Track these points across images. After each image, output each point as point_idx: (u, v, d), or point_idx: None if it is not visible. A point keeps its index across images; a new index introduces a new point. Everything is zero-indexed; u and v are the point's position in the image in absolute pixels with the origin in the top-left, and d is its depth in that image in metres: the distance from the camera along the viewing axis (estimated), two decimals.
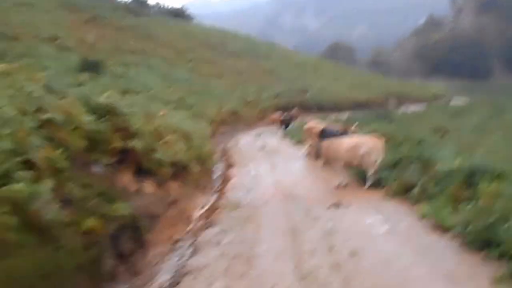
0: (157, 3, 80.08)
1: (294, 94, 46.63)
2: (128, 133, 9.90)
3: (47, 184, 5.95)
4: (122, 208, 7.34)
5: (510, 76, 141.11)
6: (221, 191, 13.60)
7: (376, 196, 11.85)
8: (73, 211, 6.31)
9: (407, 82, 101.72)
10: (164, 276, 7.56)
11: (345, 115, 36.75)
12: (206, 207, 11.87)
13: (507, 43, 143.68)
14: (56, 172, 6.50)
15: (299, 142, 22.54)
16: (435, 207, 9.71)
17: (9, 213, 5.11)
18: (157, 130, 11.79)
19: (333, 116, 35.58)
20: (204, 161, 14.82)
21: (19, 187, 5.53)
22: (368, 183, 12.64)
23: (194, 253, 8.45)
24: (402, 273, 7.07)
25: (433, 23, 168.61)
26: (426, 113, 56.42)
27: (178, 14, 74.03)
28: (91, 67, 23.98)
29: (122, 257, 7.21)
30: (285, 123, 29.93)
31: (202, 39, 59.49)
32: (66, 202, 6.30)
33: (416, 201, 10.63)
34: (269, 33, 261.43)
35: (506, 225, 7.31)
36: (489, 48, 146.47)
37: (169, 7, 78.45)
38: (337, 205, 11.04)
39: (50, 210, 5.75)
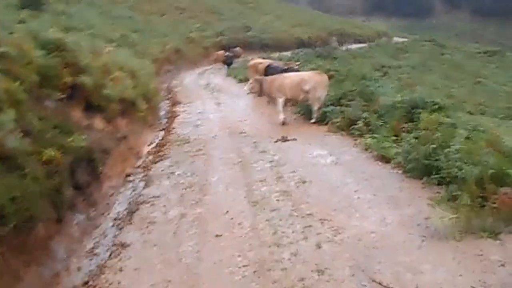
0: None
1: (237, 32, 46.47)
2: (77, 69, 10.02)
3: (10, 115, 6.16)
4: (78, 141, 7.59)
5: (450, 14, 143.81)
6: (168, 127, 13.89)
7: (321, 130, 12.22)
8: (33, 141, 6.56)
9: (349, 20, 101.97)
10: (120, 206, 7.96)
11: (288, 53, 37.10)
12: (155, 143, 12.17)
13: None
14: (15, 103, 6.70)
15: (243, 80, 22.59)
16: (378, 139, 10.21)
17: None
18: (105, 66, 11.90)
19: (276, 54, 35.68)
20: (150, 98, 14.97)
21: None
22: (314, 118, 13.01)
23: (147, 184, 8.82)
24: (348, 198, 7.58)
25: None
26: (368, 51, 57.16)
27: None
28: (32, 3, 23.51)
29: (79, 188, 7.49)
30: (229, 62, 29.96)
31: None
32: (27, 132, 6.53)
33: (360, 134, 11.03)
34: None
35: (445, 152, 7.89)
36: None
37: None
38: (283, 139, 11.41)
39: (13, 139, 6.00)
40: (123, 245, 6.59)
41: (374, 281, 5.20)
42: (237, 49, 34.80)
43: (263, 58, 24.26)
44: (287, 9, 78.36)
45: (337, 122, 12.10)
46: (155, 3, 48.61)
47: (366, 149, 10.06)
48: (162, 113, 16.47)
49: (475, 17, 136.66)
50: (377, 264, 5.53)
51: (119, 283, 5.72)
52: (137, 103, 13.01)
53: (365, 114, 11.63)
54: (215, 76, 27.95)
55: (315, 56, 38.92)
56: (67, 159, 7.09)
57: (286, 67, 16.17)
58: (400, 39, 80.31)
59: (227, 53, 31.07)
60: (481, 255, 5.50)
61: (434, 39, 79.12)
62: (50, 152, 6.60)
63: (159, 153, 10.91)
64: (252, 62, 19.76)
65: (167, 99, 19.49)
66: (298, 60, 21.42)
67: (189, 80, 26.48)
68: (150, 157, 10.76)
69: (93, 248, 6.70)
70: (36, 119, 7.06)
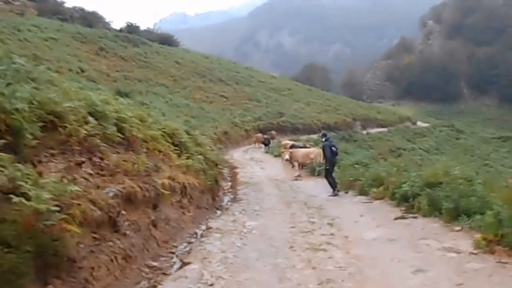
0: (148, 28, 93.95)
1: (272, 117, 57.29)
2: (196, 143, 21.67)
3: None
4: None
5: (478, 100, 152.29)
6: (234, 178, 25.04)
7: (316, 178, 23.02)
8: None
9: (376, 105, 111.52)
10: (226, 199, 19.14)
11: (315, 136, 46.97)
12: (229, 185, 23.38)
13: (475, 67, 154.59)
14: None
15: (277, 155, 33.35)
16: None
17: None
18: (200, 145, 23.04)
19: (304, 136, 46.69)
20: (220, 163, 26.25)
21: None
22: (316, 172, 23.94)
23: (236, 198, 19.18)
24: (340, 206, 15.92)
25: (404, 46, 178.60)
26: (386, 135, 66.06)
27: (167, 40, 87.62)
28: (122, 94, 32.28)
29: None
30: (266, 143, 41.83)
31: (192, 67, 71.24)
32: None
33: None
34: (245, 50, 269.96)
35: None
36: (458, 71, 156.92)
37: (158, 31, 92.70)
38: (296, 180, 23.28)
39: None
40: None
41: None
42: (273, 132, 46.72)
43: (292, 139, 36.35)
44: (317, 96, 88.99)
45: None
46: (204, 92, 60.42)
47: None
48: (226, 172, 27.45)
49: (502, 103, 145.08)
50: None
51: None
52: (219, 165, 24.30)
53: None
54: (256, 153, 39.70)
55: (339, 138, 48.88)
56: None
57: (302, 145, 28.29)
58: (424, 124, 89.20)
59: (265, 136, 43.09)
60: None
61: (453, 124, 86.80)
62: None
63: (235, 189, 22.08)
64: (283, 143, 31.87)
65: (226, 166, 29.59)
66: (309, 141, 33.12)
67: (237, 155, 37.54)
68: (231, 190, 21.99)
69: None
70: None
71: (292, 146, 28.06)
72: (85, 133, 8.69)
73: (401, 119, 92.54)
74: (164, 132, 15.35)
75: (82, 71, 45.34)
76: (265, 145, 41.85)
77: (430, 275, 7.73)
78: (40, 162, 7.33)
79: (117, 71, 53.93)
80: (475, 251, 8.71)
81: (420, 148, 63.74)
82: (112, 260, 7.46)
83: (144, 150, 11.92)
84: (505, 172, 50.41)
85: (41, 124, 7.53)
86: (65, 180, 7.19)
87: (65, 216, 6.34)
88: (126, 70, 55.83)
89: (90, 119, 9.37)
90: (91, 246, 7.06)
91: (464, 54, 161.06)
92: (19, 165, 6.38)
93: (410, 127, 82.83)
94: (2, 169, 6.10)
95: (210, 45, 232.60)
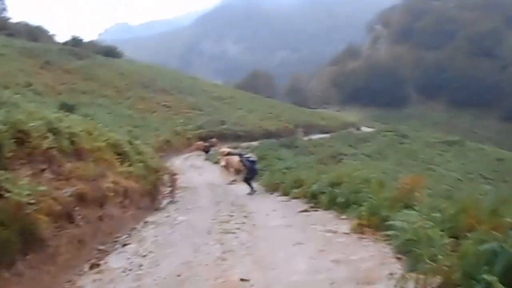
0: (92, 40, 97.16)
1: (214, 125, 60.06)
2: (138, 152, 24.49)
3: None
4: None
5: (425, 104, 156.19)
6: (174, 184, 27.99)
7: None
8: None
9: (321, 111, 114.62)
10: (165, 201, 21.88)
11: (256, 143, 50.55)
12: (170, 189, 26.28)
13: (422, 72, 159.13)
14: None
15: (216, 162, 36.05)
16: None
17: None
18: (141, 154, 26.00)
19: (245, 144, 49.14)
20: (161, 170, 29.20)
21: None
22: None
23: (173, 201, 22.31)
24: (260, 204, 19.41)
25: (351, 51, 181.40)
26: (329, 141, 68.23)
27: (110, 52, 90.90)
28: (67, 107, 34.65)
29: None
30: (206, 150, 45.11)
31: (136, 78, 73.95)
32: None
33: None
34: (189, 59, 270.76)
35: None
36: (405, 76, 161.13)
37: (102, 44, 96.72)
38: (230, 184, 26.16)
39: None
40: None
41: None
42: (213, 140, 49.59)
43: (232, 147, 39.09)
44: (260, 103, 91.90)
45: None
46: (148, 102, 63.14)
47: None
48: (166, 178, 30.43)
49: (450, 108, 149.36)
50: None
51: None
52: (160, 172, 27.12)
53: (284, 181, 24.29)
54: (196, 160, 42.57)
55: (279, 145, 51.78)
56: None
57: (238, 153, 31.33)
58: (368, 129, 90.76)
59: (206, 144, 46.25)
60: None
61: (397, 129, 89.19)
62: None
63: (173, 192, 25.05)
64: (221, 150, 34.82)
65: (167, 173, 33.26)
66: (262, 149, 36.03)
67: (178, 162, 40.40)
68: (169, 194, 24.91)
69: None
70: None
71: (228, 154, 30.99)
72: (46, 146, 11.30)
73: (344, 124, 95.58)
74: (109, 143, 17.89)
75: (29, 85, 48.08)
76: (206, 152, 44.88)
77: (304, 246, 10.64)
78: (13, 169, 9.93)
79: (62, 84, 56.57)
80: (347, 232, 11.65)
81: (362, 154, 65.52)
82: (69, 243, 10.21)
83: (92, 159, 14.51)
84: (447, 176, 54.58)
85: (13, 140, 10.12)
86: (33, 183, 10.05)
87: (37, 208, 9.17)
88: (71, 83, 58.55)
89: (49, 134, 12.01)
90: (54, 231, 9.69)
91: (412, 59, 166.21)
92: (1, 171, 9.22)
93: (353, 133, 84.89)
94: None
95: (154, 54, 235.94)
